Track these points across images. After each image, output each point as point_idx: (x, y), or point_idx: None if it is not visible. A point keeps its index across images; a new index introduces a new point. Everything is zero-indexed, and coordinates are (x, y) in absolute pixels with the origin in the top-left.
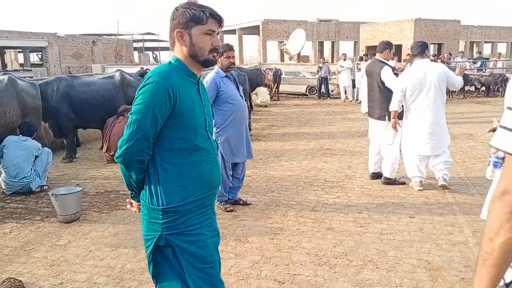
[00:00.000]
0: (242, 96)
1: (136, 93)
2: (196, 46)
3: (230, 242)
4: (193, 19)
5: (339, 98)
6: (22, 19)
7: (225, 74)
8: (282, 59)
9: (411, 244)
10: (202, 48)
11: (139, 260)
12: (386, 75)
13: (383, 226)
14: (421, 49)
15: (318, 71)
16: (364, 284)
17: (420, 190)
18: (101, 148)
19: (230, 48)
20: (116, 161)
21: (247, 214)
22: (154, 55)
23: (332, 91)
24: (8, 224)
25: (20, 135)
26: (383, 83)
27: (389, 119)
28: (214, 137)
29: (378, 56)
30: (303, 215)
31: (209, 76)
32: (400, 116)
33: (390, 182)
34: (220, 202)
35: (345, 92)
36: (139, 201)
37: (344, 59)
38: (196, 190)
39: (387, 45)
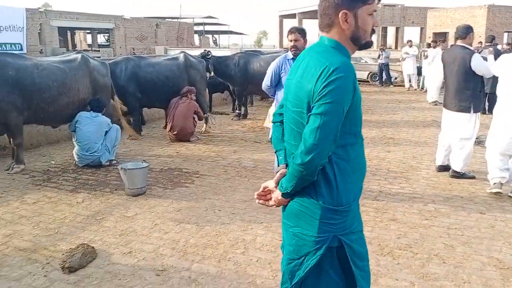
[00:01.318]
0: None
1: (320, 88)
2: (361, 28)
3: None
4: None
5: (403, 86)
6: (90, 1)
7: (292, 57)
8: None
9: (481, 241)
10: (366, 30)
11: (202, 236)
12: (479, 63)
13: (451, 221)
14: None
15: (379, 57)
16: (429, 278)
17: (499, 192)
18: (164, 127)
19: (291, 30)
20: (298, 167)
21: None
22: (214, 39)
23: (396, 78)
24: (81, 194)
25: (91, 111)
26: (473, 72)
27: (474, 111)
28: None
29: (460, 42)
30: (365, 204)
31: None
32: (479, 108)
33: (458, 175)
34: None
35: (410, 80)
36: (289, 198)
37: (410, 46)
38: (360, 184)
39: (469, 29)
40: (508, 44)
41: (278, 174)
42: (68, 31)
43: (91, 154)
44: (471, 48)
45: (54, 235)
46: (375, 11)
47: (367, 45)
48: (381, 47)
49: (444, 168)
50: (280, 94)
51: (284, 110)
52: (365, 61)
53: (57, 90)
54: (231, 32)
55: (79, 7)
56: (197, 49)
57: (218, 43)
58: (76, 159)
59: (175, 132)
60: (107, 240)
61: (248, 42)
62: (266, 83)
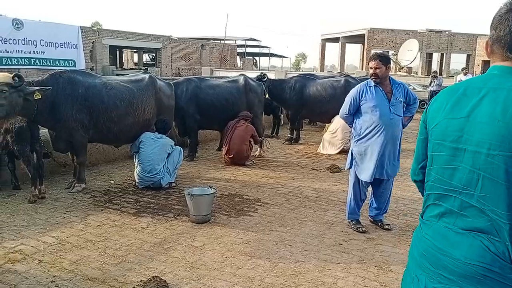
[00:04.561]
0: (391, 109)
1: None
2: None
3: (371, 268)
4: None
5: None
6: (139, 19)
7: (374, 84)
8: None
9: None
10: None
11: (277, 275)
12: None
13: None
14: None
15: (430, 83)
16: None
17: None
18: (218, 149)
19: (373, 57)
20: None
21: (383, 238)
22: (254, 61)
23: None
24: (144, 218)
25: (156, 132)
26: None
27: None
28: (351, 146)
29: None
30: None
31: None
32: None
33: None
34: (351, 221)
35: None
36: None
37: (465, 74)
38: None
39: None
40: None
41: None
42: (117, 49)
43: (153, 176)
44: None
45: (122, 263)
46: None
47: None
48: (434, 73)
49: None
50: (358, 123)
51: (452, 153)
52: (413, 87)
53: (124, 109)
54: (271, 55)
55: (127, 26)
56: (240, 71)
57: (258, 65)
58: (137, 180)
59: (231, 156)
60: (178, 273)
61: (287, 65)
62: (344, 111)
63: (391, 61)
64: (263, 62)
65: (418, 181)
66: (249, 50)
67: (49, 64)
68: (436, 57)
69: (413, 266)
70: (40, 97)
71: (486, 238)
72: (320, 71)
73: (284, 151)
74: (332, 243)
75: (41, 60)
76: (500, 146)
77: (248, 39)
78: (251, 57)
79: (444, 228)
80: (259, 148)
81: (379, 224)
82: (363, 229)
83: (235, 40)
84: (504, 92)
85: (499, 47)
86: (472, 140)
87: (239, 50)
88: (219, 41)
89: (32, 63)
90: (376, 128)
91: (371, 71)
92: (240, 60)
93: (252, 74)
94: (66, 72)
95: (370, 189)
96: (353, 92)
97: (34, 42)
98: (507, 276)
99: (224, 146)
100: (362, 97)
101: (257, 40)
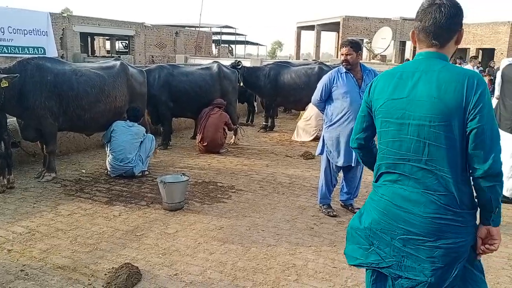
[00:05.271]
0: (361, 96)
1: (475, 99)
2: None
3: (341, 250)
4: None
5: None
6: (111, 6)
7: (345, 71)
8: None
9: None
10: None
11: (249, 259)
12: None
13: (509, 251)
14: None
15: None
16: None
17: None
18: (193, 137)
19: (344, 43)
20: (499, 179)
21: None
22: (230, 48)
23: None
24: (116, 206)
25: (127, 120)
26: None
27: None
28: (323, 133)
29: None
30: None
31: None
32: None
33: (508, 201)
34: (322, 205)
35: None
36: None
37: None
38: None
39: None
40: None
41: None
42: (88, 36)
43: (125, 165)
44: None
45: (93, 251)
46: None
47: None
48: (407, 60)
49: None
50: (330, 109)
51: (398, 128)
52: None
53: (95, 96)
54: (247, 42)
55: (98, 13)
56: (214, 58)
57: (234, 52)
58: (109, 169)
59: (205, 144)
60: (150, 260)
61: (263, 53)
62: (315, 97)
63: (365, 49)
64: (239, 50)
65: (354, 148)
66: (224, 37)
67: (18, 52)
68: (409, 45)
69: (369, 223)
70: (7, 85)
71: (436, 194)
72: (296, 59)
73: (258, 138)
74: (304, 227)
75: (9, 47)
76: (438, 118)
77: (223, 27)
78: (226, 45)
79: (400, 189)
80: (233, 136)
81: (350, 208)
82: (334, 213)
83: (210, 27)
84: (435, 74)
85: (424, 35)
86: (414, 115)
87: (215, 37)
88: (193, 29)
89: (0, 51)
90: (346, 115)
91: (342, 57)
92: (216, 48)
93: (228, 62)
94: (35, 59)
95: (341, 174)
96: (324, 79)
97: (2, 29)
98: (459, 219)
99: (198, 134)
100: (333, 83)
101: (233, 28)
